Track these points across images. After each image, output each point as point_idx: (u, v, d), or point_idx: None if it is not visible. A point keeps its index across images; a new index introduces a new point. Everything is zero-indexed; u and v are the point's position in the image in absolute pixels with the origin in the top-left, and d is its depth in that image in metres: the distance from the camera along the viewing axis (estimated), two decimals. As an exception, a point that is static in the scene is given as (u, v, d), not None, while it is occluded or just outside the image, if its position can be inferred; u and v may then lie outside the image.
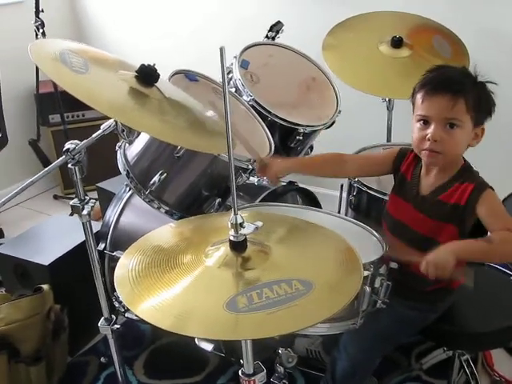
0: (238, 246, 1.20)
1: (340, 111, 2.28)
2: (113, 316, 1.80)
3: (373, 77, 2.38)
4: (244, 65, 2.23)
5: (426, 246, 1.52)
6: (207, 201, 1.84)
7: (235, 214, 1.19)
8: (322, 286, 1.15)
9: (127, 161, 1.81)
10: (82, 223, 1.65)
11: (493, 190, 1.53)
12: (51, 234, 2.41)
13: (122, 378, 1.90)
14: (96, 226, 2.09)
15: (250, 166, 1.80)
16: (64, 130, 3.30)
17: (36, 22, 2.98)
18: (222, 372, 2.15)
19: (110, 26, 3.71)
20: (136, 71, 1.54)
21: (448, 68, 1.62)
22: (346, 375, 1.71)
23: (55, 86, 3.17)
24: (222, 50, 1.08)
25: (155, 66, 1.56)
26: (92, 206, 1.63)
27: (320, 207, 2.17)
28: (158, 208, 1.81)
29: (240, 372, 1.28)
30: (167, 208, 1.82)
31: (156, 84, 1.59)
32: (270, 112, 2.09)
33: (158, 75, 1.56)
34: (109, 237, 2.09)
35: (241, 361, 1.27)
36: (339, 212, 2.30)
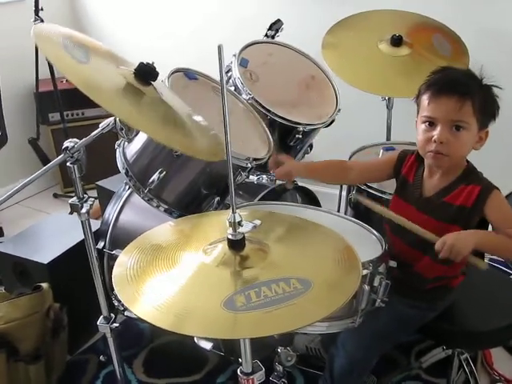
0: (236, 245, 1.20)
1: (339, 110, 2.28)
2: (112, 315, 1.80)
3: (372, 75, 2.38)
4: (243, 63, 2.23)
5: (428, 246, 1.53)
6: (206, 199, 1.84)
7: (233, 212, 1.19)
8: (320, 285, 1.15)
9: (126, 159, 1.81)
10: (81, 222, 1.65)
11: (499, 190, 1.53)
12: (51, 232, 2.41)
13: (121, 376, 1.90)
14: (95, 225, 2.09)
15: (249, 165, 1.80)
16: (64, 128, 3.30)
17: (36, 20, 2.98)
18: (221, 371, 2.15)
19: (109, 25, 3.71)
20: (135, 69, 1.54)
21: (453, 69, 1.61)
22: (344, 372, 1.71)
23: (55, 84, 3.17)
24: (219, 48, 1.08)
25: (154, 65, 1.55)
26: (91, 205, 1.63)
27: (319, 206, 2.18)
28: (157, 206, 1.81)
29: (238, 371, 1.28)
30: (166, 206, 1.82)
31: (153, 83, 1.59)
32: (269, 110, 2.09)
33: (157, 73, 1.56)
34: (108, 235, 2.08)
35: (239, 359, 1.27)
36: (339, 211, 2.30)
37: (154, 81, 1.58)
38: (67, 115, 3.38)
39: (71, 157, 1.56)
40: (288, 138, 2.15)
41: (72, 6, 3.80)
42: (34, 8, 2.97)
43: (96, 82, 1.43)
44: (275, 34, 2.50)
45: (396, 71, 2.36)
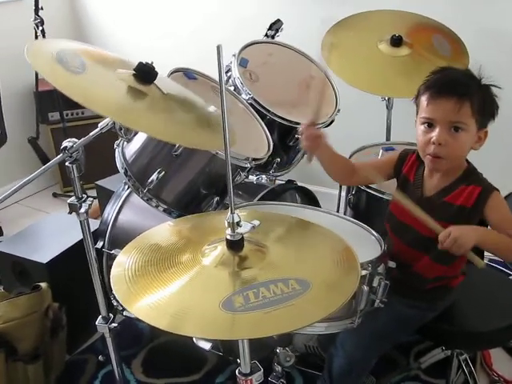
0: (234, 245, 1.20)
1: (339, 110, 2.28)
2: (110, 314, 1.80)
3: (372, 75, 2.38)
4: (243, 63, 2.23)
5: (428, 246, 1.54)
6: (205, 199, 1.83)
7: (232, 212, 1.19)
8: (319, 286, 1.14)
9: (125, 159, 1.81)
10: (80, 221, 1.65)
11: (499, 191, 1.53)
12: (50, 232, 2.40)
13: (119, 376, 1.90)
14: (94, 224, 2.09)
15: (249, 165, 1.80)
16: (63, 127, 3.30)
17: (35, 19, 2.98)
18: (220, 371, 2.15)
19: (109, 25, 3.71)
20: (134, 69, 1.53)
21: (452, 70, 1.61)
22: (343, 372, 1.70)
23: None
24: (219, 48, 1.08)
25: (153, 64, 1.55)
26: (90, 205, 1.63)
27: (319, 206, 2.17)
28: (156, 206, 1.81)
29: (237, 371, 1.28)
30: (165, 206, 1.81)
31: (155, 82, 1.58)
32: (268, 110, 2.08)
33: (156, 73, 1.55)
34: (107, 235, 2.08)
35: (238, 360, 1.27)
36: (338, 211, 2.30)
37: (154, 80, 1.57)
38: (67, 114, 3.38)
39: (70, 156, 1.56)
40: (287, 138, 2.15)
41: (72, 6, 3.79)
42: (33, 7, 2.98)
43: (94, 90, 1.43)
44: (275, 34, 2.50)
45: (396, 71, 2.35)
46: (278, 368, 1.65)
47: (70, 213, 1.66)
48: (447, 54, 2.33)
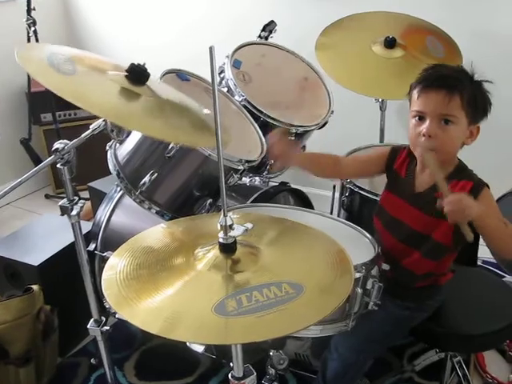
0: (227, 248, 1.19)
1: (333, 111, 2.28)
2: (102, 317, 1.78)
3: (366, 77, 2.38)
4: (236, 64, 2.22)
5: (419, 242, 1.55)
6: (198, 201, 1.82)
7: (225, 215, 1.18)
8: (312, 289, 1.14)
9: (118, 161, 1.80)
10: (71, 224, 1.63)
11: (489, 187, 1.53)
12: (42, 233, 2.38)
13: (112, 379, 1.89)
14: (87, 226, 2.08)
15: (242, 167, 1.79)
16: (56, 129, 3.28)
17: (28, 20, 2.96)
18: (213, 373, 2.14)
19: (102, 26, 3.70)
20: (126, 70, 1.52)
21: (444, 66, 1.62)
22: (337, 375, 1.70)
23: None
24: (211, 49, 1.07)
25: (145, 66, 1.54)
26: (81, 207, 1.62)
27: (312, 208, 2.16)
28: (149, 209, 1.80)
29: (230, 375, 1.27)
30: (158, 208, 1.80)
31: (148, 83, 1.57)
32: (262, 112, 2.08)
33: (149, 74, 1.54)
34: (99, 237, 2.07)
35: (230, 364, 1.26)
36: (331, 213, 2.30)
37: (146, 81, 1.56)
38: (59, 116, 3.37)
39: (61, 158, 1.55)
40: (281, 139, 2.14)
41: (65, 6, 3.78)
42: (26, 8, 2.96)
43: (86, 91, 1.42)
44: (268, 35, 2.49)
45: (389, 73, 2.35)
46: (272, 371, 1.64)
47: (63, 214, 1.65)
48: (441, 56, 2.34)
